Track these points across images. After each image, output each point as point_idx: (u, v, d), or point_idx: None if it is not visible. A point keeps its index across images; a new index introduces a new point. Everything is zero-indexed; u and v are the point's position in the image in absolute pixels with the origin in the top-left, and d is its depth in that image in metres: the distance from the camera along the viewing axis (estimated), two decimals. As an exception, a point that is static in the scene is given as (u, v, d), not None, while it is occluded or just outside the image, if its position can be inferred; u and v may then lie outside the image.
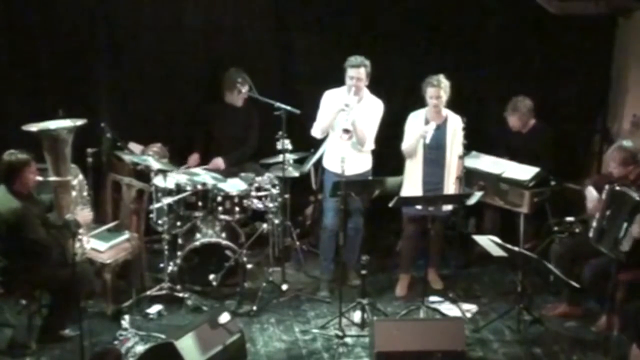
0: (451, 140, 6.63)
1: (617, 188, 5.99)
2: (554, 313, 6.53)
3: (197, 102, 7.78)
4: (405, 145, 6.67)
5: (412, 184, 6.65)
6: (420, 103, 6.67)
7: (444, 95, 6.54)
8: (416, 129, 6.61)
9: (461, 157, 6.63)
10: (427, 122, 6.61)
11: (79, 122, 5.89)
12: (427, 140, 6.50)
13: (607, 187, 6.07)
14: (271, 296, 6.76)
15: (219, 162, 7.47)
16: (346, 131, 6.41)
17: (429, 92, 6.55)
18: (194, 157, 7.52)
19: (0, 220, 5.64)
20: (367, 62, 6.55)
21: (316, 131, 6.75)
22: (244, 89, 7.36)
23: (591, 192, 6.30)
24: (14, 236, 5.64)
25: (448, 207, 6.72)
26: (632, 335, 5.63)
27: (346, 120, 6.42)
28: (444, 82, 6.53)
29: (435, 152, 6.60)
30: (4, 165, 5.70)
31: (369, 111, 6.65)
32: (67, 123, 5.88)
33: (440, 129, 6.60)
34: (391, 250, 7.64)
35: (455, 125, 6.64)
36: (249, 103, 7.52)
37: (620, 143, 6.26)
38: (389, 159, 6.95)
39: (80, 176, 6.06)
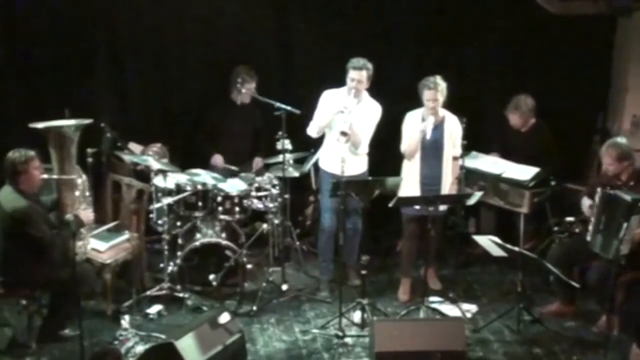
0: (448, 140, 6.63)
1: (609, 192, 6.00)
2: (547, 310, 6.52)
3: (197, 101, 7.77)
4: (405, 146, 6.65)
5: (410, 184, 6.64)
6: (420, 104, 6.66)
7: (441, 97, 6.50)
8: (415, 129, 6.60)
9: (457, 158, 6.64)
10: (424, 120, 6.58)
11: (86, 121, 5.91)
12: (428, 136, 6.48)
13: (599, 190, 6.08)
14: (271, 296, 6.76)
15: (217, 159, 7.47)
16: (344, 134, 6.39)
17: (426, 94, 6.51)
18: (218, 158, 7.46)
19: (7, 219, 5.66)
20: (370, 65, 6.51)
21: (312, 130, 6.73)
22: (244, 89, 7.35)
23: (584, 203, 6.38)
24: (19, 235, 5.65)
25: (445, 206, 6.70)
26: (632, 335, 5.63)
27: (344, 122, 6.40)
28: (441, 84, 6.48)
29: (432, 152, 6.59)
30: (9, 162, 5.71)
31: (366, 114, 6.63)
32: (73, 121, 5.90)
33: (438, 129, 6.58)
34: (391, 250, 7.64)
35: (453, 125, 6.64)
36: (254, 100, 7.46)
37: (613, 140, 6.28)
38: (386, 161, 6.95)
39: (84, 176, 6.08)
